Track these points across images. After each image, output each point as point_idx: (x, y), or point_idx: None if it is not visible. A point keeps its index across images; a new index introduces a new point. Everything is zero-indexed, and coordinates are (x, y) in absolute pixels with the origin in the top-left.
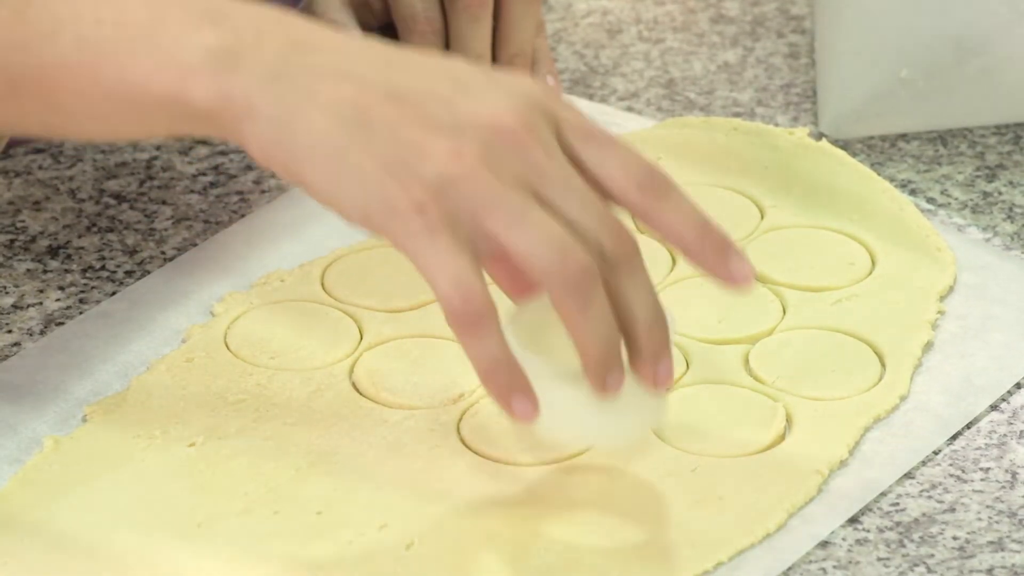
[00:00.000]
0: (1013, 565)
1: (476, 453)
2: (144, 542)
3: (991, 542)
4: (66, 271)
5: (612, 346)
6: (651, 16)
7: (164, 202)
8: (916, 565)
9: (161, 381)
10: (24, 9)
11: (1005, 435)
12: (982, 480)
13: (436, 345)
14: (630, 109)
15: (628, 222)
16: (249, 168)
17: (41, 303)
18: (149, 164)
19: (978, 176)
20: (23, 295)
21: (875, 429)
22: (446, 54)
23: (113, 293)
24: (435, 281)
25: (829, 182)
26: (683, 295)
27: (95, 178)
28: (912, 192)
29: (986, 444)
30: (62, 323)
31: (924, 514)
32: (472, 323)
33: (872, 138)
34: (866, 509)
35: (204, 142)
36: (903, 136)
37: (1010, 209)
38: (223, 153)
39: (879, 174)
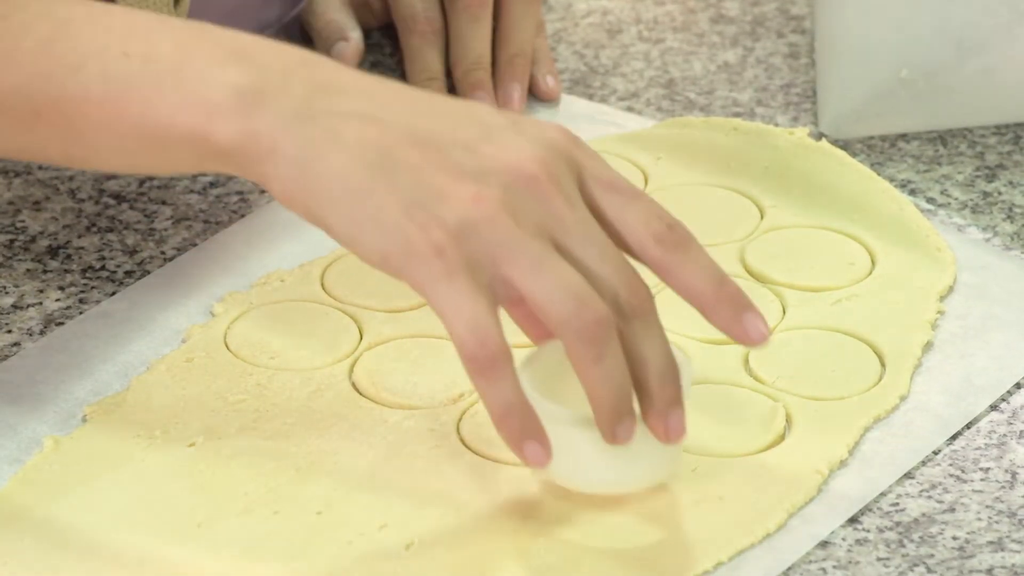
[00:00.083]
0: (1013, 565)
1: (476, 453)
2: (144, 542)
3: (991, 542)
4: (66, 271)
5: (624, 397)
6: (651, 16)
7: (164, 202)
8: (916, 565)
9: (161, 381)
10: (50, 40)
11: (1005, 435)
12: (982, 480)
13: (436, 345)
14: (630, 109)
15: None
16: None
17: (41, 303)
18: None
19: (978, 176)
20: (23, 295)
21: (875, 429)
22: (467, 103)
23: (113, 293)
24: (451, 324)
25: (829, 182)
26: None
27: (95, 178)
28: (912, 192)
29: (986, 444)
30: (62, 323)
31: (924, 514)
32: (487, 367)
33: (872, 138)
34: (866, 509)
35: None
36: (903, 136)
37: (1010, 209)
38: None
39: (879, 174)
